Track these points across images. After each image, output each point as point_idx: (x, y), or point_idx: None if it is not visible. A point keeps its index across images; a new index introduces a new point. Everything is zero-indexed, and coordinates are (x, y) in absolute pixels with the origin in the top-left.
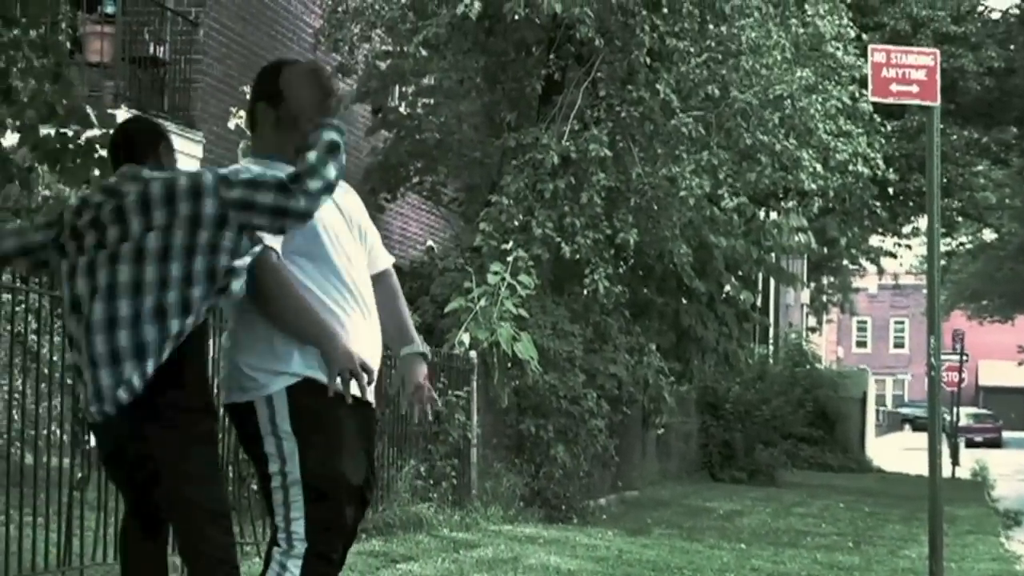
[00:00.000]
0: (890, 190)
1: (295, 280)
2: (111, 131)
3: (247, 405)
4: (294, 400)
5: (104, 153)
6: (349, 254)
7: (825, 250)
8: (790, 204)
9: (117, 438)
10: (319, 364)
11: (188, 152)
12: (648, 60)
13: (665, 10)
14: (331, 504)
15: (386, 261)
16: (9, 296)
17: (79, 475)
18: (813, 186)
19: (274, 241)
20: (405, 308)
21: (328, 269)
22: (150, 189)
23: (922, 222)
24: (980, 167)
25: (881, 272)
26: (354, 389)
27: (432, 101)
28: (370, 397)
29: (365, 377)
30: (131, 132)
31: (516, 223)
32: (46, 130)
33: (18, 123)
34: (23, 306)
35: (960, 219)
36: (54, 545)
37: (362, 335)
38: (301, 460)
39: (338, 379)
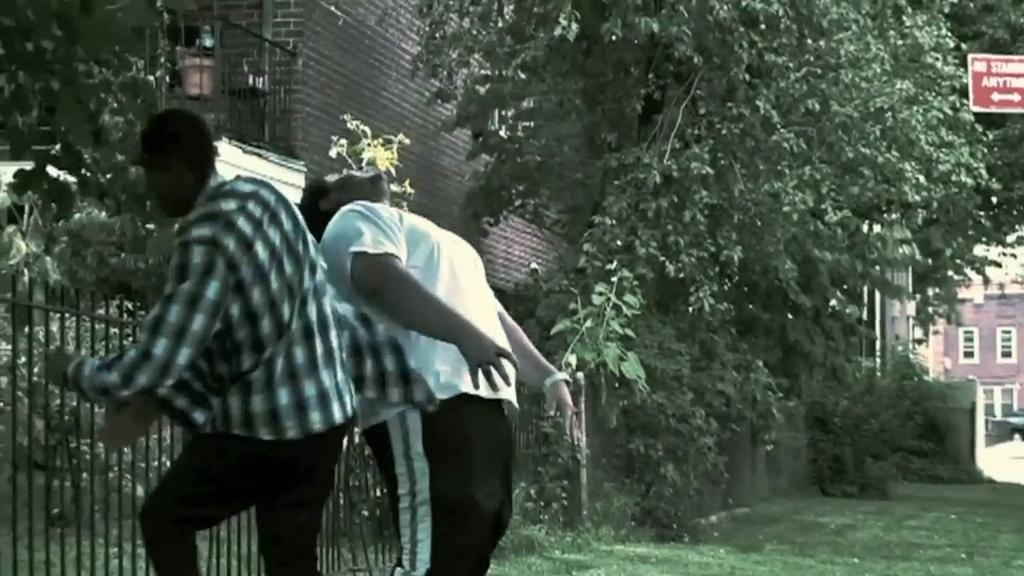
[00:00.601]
0: (993, 199)
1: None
2: None
3: (381, 426)
4: (427, 420)
5: None
6: (461, 285)
7: (930, 261)
8: (894, 216)
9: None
10: (454, 378)
11: (290, 181)
12: (747, 76)
13: (763, 26)
14: (460, 527)
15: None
16: (116, 330)
17: None
18: (916, 197)
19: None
20: (529, 341)
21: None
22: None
23: None
24: None
25: (987, 282)
26: (499, 387)
27: (532, 124)
28: (510, 393)
29: (506, 365)
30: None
31: (619, 243)
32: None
33: (113, 162)
34: (131, 339)
35: None
36: None
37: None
38: (431, 481)
39: (480, 372)
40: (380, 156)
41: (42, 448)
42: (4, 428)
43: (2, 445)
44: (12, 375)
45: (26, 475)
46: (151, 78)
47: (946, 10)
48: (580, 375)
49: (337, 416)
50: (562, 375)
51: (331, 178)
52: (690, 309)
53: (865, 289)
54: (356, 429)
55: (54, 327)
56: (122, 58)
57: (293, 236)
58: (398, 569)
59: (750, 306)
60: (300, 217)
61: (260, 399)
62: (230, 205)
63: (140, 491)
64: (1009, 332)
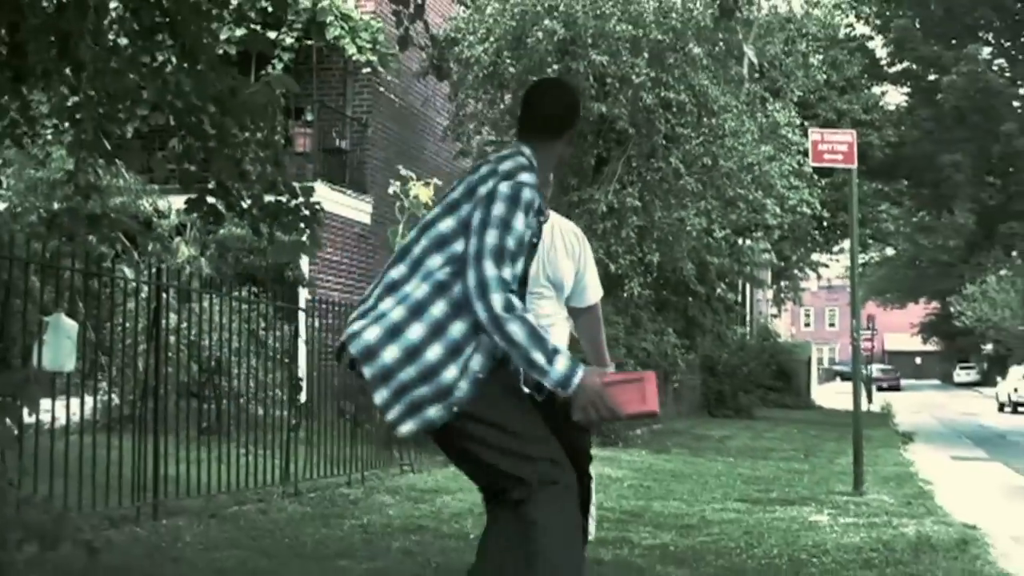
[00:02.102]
0: (824, 223)
1: None
2: (309, 198)
3: None
4: None
5: (306, 212)
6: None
7: (782, 264)
8: (759, 234)
9: None
10: None
11: (362, 209)
12: (664, 142)
13: (675, 109)
14: None
15: (595, 295)
16: (246, 306)
17: (294, 422)
18: (774, 222)
19: None
20: (603, 336)
21: None
22: None
23: (845, 244)
24: (883, 207)
25: (819, 277)
26: None
27: None
28: None
29: None
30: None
31: None
32: (268, 198)
33: (250, 193)
34: (256, 311)
35: (871, 241)
36: (278, 468)
37: None
38: None
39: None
40: (422, 193)
41: (196, 383)
42: (172, 370)
43: (171, 382)
44: (177, 335)
45: (186, 400)
46: (276, 138)
47: (795, 100)
48: None
49: None
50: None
51: None
52: (624, 294)
53: (740, 282)
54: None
55: (205, 304)
56: (256, 125)
57: None
58: None
59: (664, 292)
60: None
61: None
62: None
63: (260, 411)
64: (834, 310)
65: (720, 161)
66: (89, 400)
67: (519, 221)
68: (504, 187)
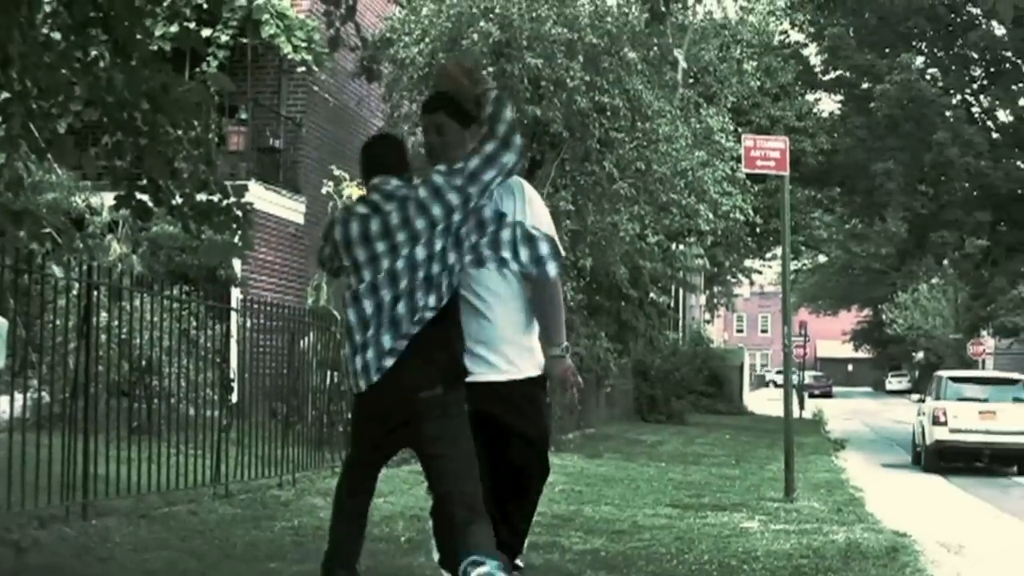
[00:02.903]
0: (757, 230)
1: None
2: (241, 198)
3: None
4: None
5: (237, 212)
6: None
7: (715, 269)
8: (692, 240)
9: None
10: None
11: (295, 209)
12: (598, 146)
13: (609, 113)
14: None
15: None
16: (178, 304)
17: (225, 422)
18: (707, 228)
19: None
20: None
21: None
22: (407, 206)
23: (778, 251)
24: (815, 214)
25: (752, 283)
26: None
27: None
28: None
29: None
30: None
31: None
32: (200, 197)
33: (182, 192)
34: (188, 310)
35: (803, 248)
36: (209, 468)
37: None
38: None
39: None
40: (355, 193)
41: (127, 381)
42: (103, 368)
43: (102, 380)
44: (108, 333)
45: (116, 399)
46: (209, 136)
47: (729, 106)
48: None
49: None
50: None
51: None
52: None
53: (673, 286)
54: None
55: (136, 302)
56: (188, 122)
57: None
58: None
59: (596, 297)
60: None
61: None
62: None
63: (191, 411)
64: (767, 316)
65: (654, 166)
66: (19, 398)
67: None
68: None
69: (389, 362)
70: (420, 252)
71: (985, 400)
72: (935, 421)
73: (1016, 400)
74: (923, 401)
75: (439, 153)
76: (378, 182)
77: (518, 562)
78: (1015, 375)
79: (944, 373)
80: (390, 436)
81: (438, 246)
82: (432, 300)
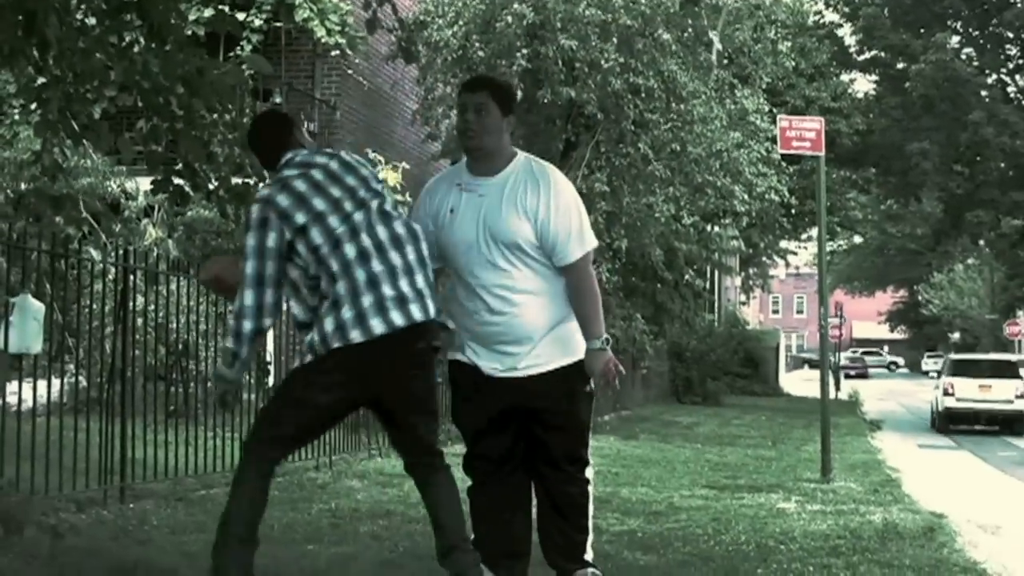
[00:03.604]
0: (792, 211)
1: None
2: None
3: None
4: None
5: None
6: None
7: (751, 251)
8: (727, 221)
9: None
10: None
11: None
12: (633, 127)
13: (643, 95)
14: None
15: None
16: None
17: (261, 405)
18: (742, 209)
19: None
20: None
21: None
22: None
23: (813, 232)
24: (851, 195)
25: (788, 264)
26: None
27: None
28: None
29: None
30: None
31: None
32: (236, 180)
33: (217, 175)
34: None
35: (839, 229)
36: None
37: None
38: None
39: None
40: (391, 176)
41: (163, 365)
42: (139, 352)
43: (139, 364)
44: (144, 317)
45: (153, 383)
46: (243, 120)
47: (763, 87)
48: None
49: (398, 321)
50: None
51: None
52: None
53: (708, 268)
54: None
55: (173, 286)
56: (224, 106)
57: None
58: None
59: (632, 278)
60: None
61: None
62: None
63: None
64: (802, 298)
65: (689, 147)
66: (56, 382)
67: None
68: None
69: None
70: (374, 204)
71: (983, 376)
72: (945, 392)
73: (1007, 377)
74: (939, 376)
75: (476, 133)
76: (290, 156)
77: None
78: (1009, 357)
79: (953, 356)
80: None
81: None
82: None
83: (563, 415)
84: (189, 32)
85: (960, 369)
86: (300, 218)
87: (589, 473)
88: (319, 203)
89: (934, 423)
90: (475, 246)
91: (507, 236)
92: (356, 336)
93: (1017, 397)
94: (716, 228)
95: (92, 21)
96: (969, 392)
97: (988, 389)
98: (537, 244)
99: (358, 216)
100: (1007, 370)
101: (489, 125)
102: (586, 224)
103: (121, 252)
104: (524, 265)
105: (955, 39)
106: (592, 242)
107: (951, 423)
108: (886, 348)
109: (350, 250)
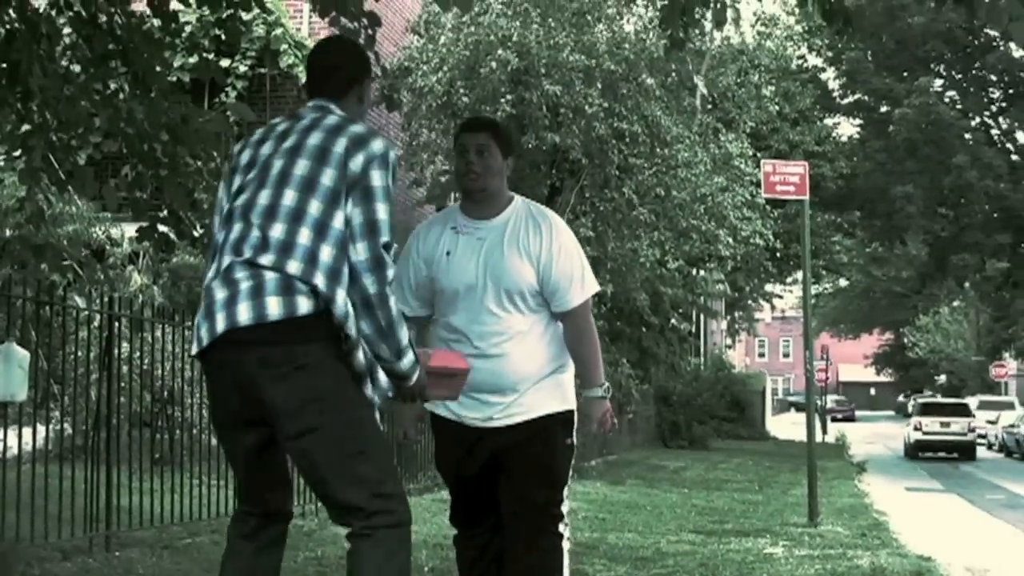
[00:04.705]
0: (777, 254)
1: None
2: None
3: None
4: None
5: None
6: None
7: (736, 294)
8: (712, 265)
9: None
10: None
11: None
12: (617, 172)
13: (627, 140)
14: None
15: None
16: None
17: None
18: (727, 253)
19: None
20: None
21: None
22: None
23: (798, 275)
24: (836, 238)
25: (773, 308)
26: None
27: None
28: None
29: None
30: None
31: None
32: None
33: (202, 222)
34: None
35: (824, 272)
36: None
37: None
38: None
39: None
40: None
41: (149, 412)
42: (125, 399)
43: (124, 411)
44: (129, 364)
45: (139, 430)
46: (226, 167)
47: (747, 131)
48: None
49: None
50: None
51: None
52: None
53: (693, 312)
54: None
55: (158, 333)
56: (208, 153)
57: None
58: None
59: (618, 323)
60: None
61: None
62: None
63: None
64: (788, 341)
65: (673, 192)
66: (41, 430)
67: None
68: (383, 150)
69: None
70: None
71: (944, 415)
72: (915, 428)
73: (961, 415)
74: (910, 416)
75: (479, 175)
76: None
77: None
78: (963, 400)
79: (920, 399)
80: None
81: None
82: None
83: (536, 460)
84: (174, 79)
85: (926, 410)
86: None
87: (563, 529)
88: None
89: (907, 452)
90: (475, 288)
91: (510, 278)
92: None
93: (968, 431)
94: (701, 272)
95: (77, 68)
96: (933, 427)
97: (947, 425)
98: (537, 289)
99: None
100: (962, 410)
101: (492, 166)
102: (587, 268)
103: (106, 299)
104: (516, 310)
105: (938, 82)
106: (593, 287)
107: (919, 451)
108: (872, 391)
109: None
